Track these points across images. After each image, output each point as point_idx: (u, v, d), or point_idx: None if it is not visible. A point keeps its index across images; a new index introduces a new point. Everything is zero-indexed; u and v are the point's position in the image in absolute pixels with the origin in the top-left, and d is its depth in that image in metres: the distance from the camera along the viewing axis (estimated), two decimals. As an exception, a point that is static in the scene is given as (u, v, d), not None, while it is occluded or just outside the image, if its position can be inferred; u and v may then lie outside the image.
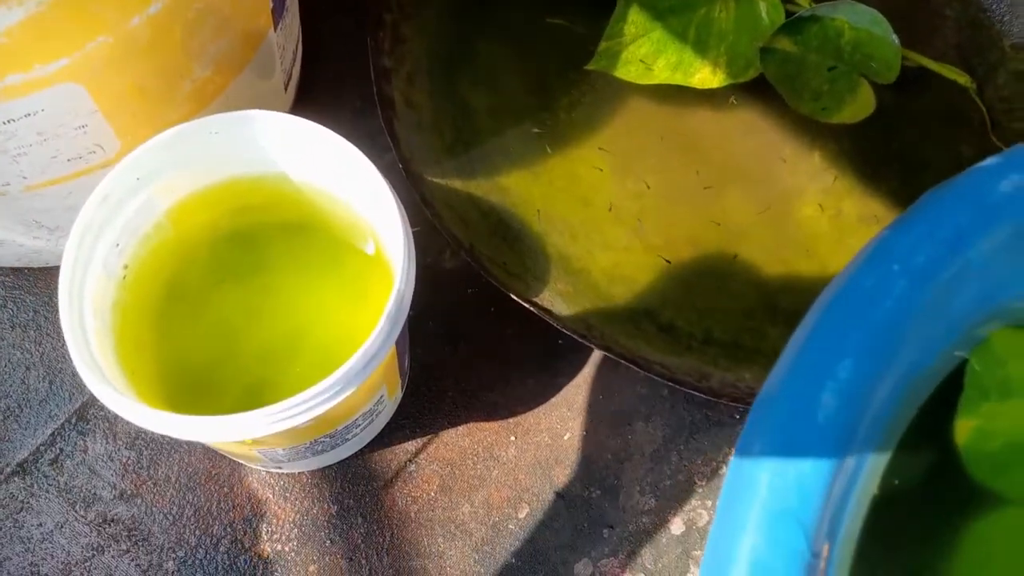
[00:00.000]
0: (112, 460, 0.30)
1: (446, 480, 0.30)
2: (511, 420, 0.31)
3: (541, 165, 0.33)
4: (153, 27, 0.21)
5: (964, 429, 0.20)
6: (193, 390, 0.26)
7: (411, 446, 0.31)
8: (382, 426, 0.30)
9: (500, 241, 0.31)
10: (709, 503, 0.31)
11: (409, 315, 0.23)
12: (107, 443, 0.30)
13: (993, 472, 0.20)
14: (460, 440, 0.31)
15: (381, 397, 0.27)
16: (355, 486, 0.30)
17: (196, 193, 0.25)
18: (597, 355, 0.32)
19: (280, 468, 0.29)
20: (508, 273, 0.30)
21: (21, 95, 0.20)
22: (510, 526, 0.30)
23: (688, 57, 0.34)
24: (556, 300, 0.30)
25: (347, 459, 0.30)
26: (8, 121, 0.20)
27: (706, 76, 0.34)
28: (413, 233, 0.23)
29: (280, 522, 0.30)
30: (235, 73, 0.26)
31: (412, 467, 0.31)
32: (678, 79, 0.34)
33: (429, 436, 0.31)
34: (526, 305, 0.29)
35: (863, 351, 0.16)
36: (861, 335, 0.16)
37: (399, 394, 0.30)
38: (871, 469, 0.17)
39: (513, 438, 0.32)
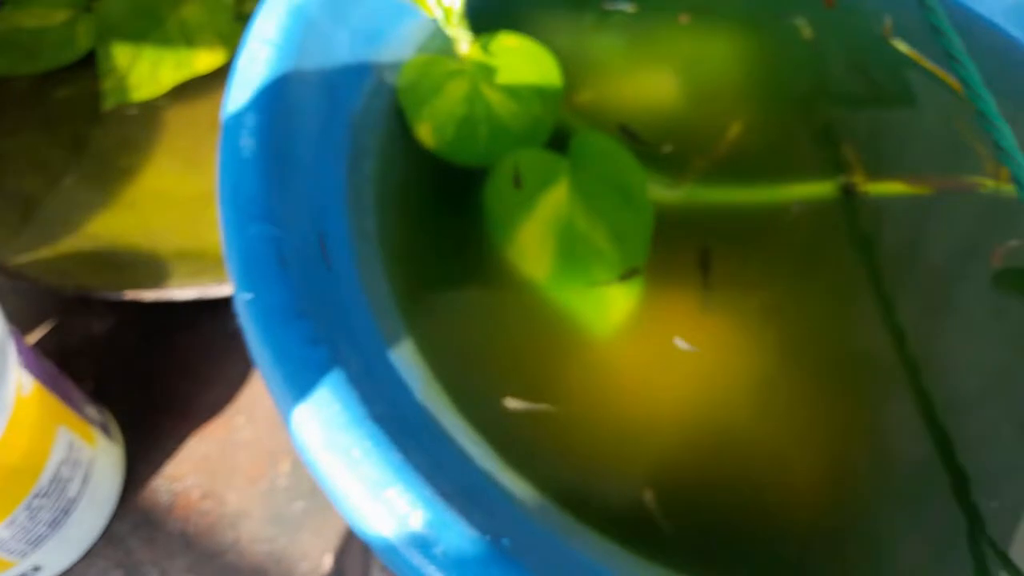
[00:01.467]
0: None
1: (205, 487, 0.30)
2: (233, 405, 0.32)
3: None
4: None
5: (426, 131, 0.26)
6: None
7: (161, 480, 0.31)
8: (114, 477, 0.29)
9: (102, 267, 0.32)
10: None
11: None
12: None
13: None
14: (201, 446, 0.31)
15: (71, 444, 0.26)
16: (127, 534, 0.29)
17: None
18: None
19: (38, 572, 0.27)
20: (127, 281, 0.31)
21: None
22: (278, 483, 0.31)
23: (184, 53, 0.38)
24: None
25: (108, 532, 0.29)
26: None
27: (208, 60, 0.38)
28: None
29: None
30: None
31: (170, 496, 0.30)
32: (186, 74, 0.38)
33: (170, 461, 0.31)
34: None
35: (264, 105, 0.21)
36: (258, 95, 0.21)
37: (107, 443, 0.29)
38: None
39: (243, 419, 0.32)
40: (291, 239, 0.20)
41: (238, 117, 0.21)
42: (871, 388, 0.24)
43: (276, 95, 0.22)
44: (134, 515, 0.30)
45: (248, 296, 0.18)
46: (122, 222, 0.35)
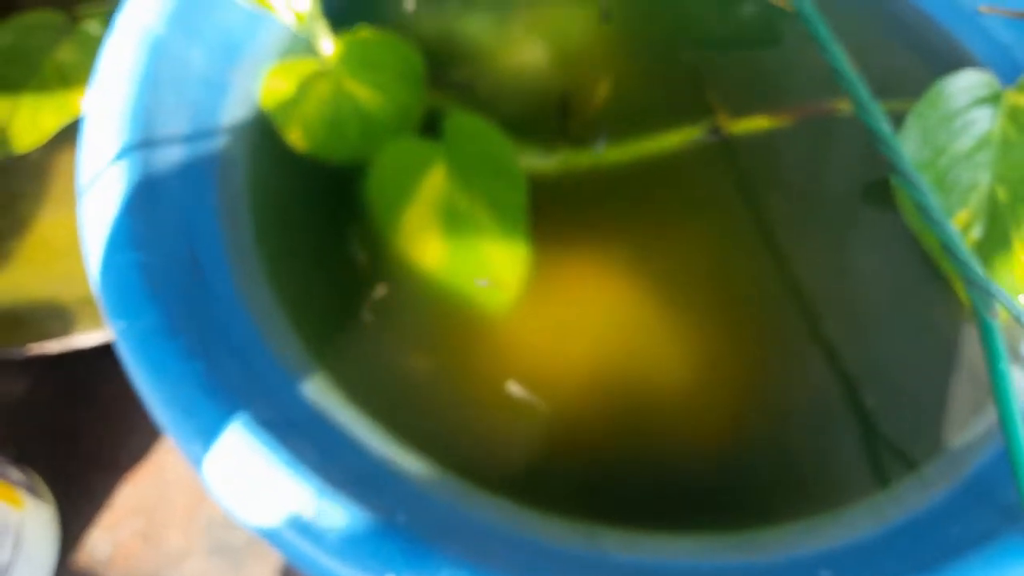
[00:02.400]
0: None
1: (144, 531, 0.30)
2: (161, 446, 0.32)
3: None
4: None
5: (296, 135, 0.26)
6: None
7: (99, 532, 0.30)
8: (48, 538, 0.29)
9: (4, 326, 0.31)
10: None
11: None
12: None
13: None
14: (134, 492, 0.31)
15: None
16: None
17: None
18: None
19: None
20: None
21: None
22: (216, 515, 0.31)
23: (63, 97, 0.38)
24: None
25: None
26: None
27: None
28: None
29: None
30: None
31: (110, 547, 0.30)
32: (67, 118, 0.37)
33: (105, 512, 0.31)
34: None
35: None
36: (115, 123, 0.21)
37: (36, 504, 0.29)
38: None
39: (173, 457, 0.32)
40: (160, 262, 0.20)
41: (96, 147, 0.21)
42: (765, 320, 0.25)
43: (133, 121, 0.22)
44: (75, 573, 0.30)
45: (121, 324, 0.18)
46: (20, 277, 0.34)
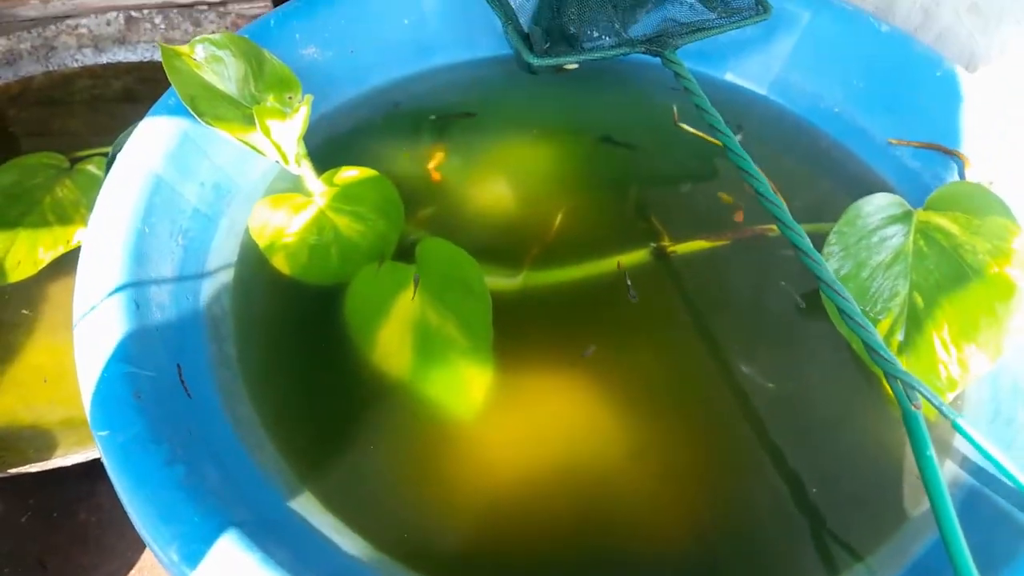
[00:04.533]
0: None
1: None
2: (136, 569, 0.32)
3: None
4: None
5: (280, 260, 0.29)
6: None
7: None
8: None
9: None
10: None
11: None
12: None
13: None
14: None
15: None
16: None
17: None
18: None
19: None
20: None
21: None
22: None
23: (59, 231, 0.40)
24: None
25: None
26: None
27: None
28: None
29: None
30: None
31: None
32: (62, 250, 0.39)
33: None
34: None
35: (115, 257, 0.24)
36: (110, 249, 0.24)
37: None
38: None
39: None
40: (147, 373, 0.21)
41: (93, 267, 0.23)
42: (717, 423, 0.26)
43: (129, 245, 0.24)
44: None
45: (104, 433, 0.20)
46: (6, 403, 0.35)
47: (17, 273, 0.38)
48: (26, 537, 0.33)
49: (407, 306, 0.28)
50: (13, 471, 0.31)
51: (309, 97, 0.30)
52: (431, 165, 0.34)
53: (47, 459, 0.31)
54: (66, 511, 0.33)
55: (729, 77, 0.38)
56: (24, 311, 0.38)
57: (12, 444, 0.33)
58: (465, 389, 0.26)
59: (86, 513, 0.33)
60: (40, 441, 0.33)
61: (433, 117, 0.35)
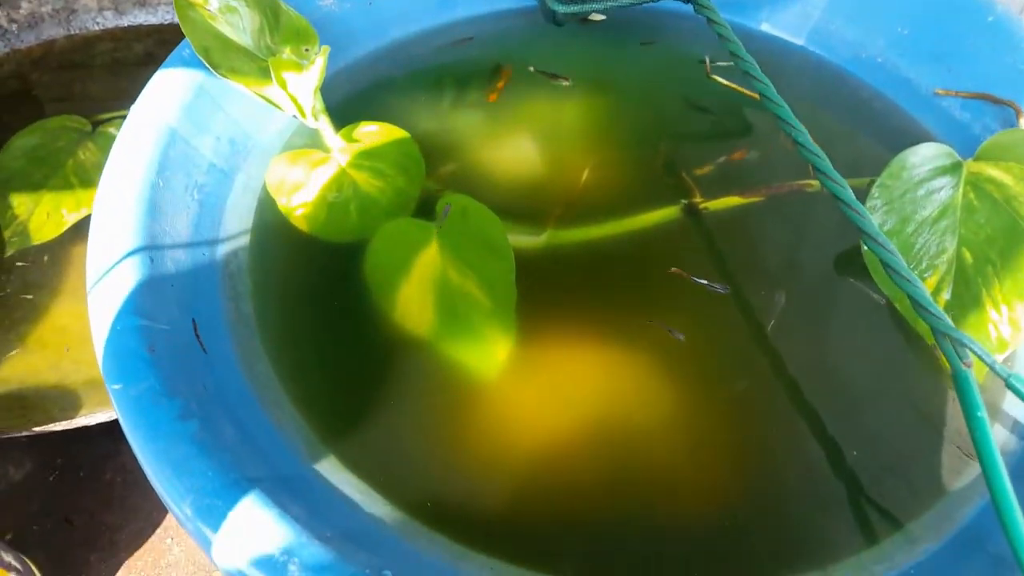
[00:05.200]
0: None
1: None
2: (161, 529, 0.32)
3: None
4: None
5: (299, 217, 0.28)
6: None
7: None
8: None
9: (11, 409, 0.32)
10: None
11: None
12: None
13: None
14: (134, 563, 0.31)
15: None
16: None
17: None
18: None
19: None
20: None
21: None
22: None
23: (82, 193, 0.40)
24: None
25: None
26: None
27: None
28: None
29: None
30: None
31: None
32: (85, 212, 0.39)
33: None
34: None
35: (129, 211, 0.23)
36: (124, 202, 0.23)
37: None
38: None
39: (172, 540, 0.32)
40: (161, 327, 0.21)
41: (107, 221, 0.23)
42: (752, 388, 0.25)
43: (141, 202, 0.24)
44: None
45: (118, 386, 0.19)
46: (31, 362, 0.35)
47: (41, 234, 0.39)
48: (54, 495, 0.33)
49: (429, 264, 0.27)
50: (38, 429, 0.31)
51: (326, 48, 0.29)
52: (453, 120, 0.33)
53: (71, 418, 0.31)
54: (92, 471, 0.33)
55: (765, 27, 0.36)
56: (49, 273, 0.38)
57: (38, 403, 0.33)
58: (487, 350, 0.25)
59: (112, 473, 0.33)
60: (65, 400, 0.33)
61: (455, 71, 0.34)
